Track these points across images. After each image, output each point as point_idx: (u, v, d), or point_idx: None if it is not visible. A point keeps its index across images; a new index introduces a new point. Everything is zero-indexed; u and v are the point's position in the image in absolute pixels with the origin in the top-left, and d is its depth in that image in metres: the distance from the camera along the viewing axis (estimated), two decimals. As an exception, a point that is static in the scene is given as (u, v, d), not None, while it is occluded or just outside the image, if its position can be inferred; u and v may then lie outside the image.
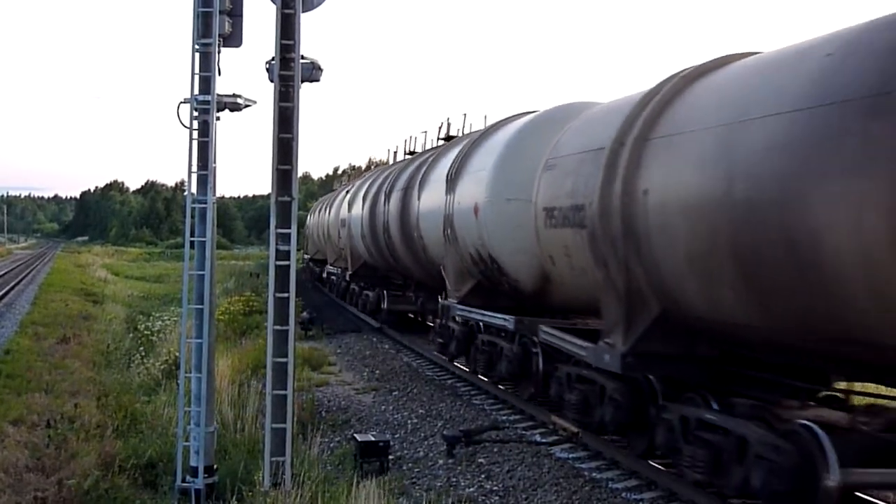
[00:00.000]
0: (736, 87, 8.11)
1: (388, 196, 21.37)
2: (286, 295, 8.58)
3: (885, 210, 5.84)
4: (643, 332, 8.90)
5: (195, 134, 8.53)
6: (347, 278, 28.47)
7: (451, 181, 15.53)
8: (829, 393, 8.34)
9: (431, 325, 20.29)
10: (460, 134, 20.96)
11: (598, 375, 10.11)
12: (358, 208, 25.30)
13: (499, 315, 13.30)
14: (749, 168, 7.10)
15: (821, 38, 7.46)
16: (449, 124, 22.46)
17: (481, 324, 14.53)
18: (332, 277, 33.44)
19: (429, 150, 22.29)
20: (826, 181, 6.33)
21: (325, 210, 35.91)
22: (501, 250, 13.24)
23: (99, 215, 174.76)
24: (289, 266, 8.60)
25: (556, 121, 12.57)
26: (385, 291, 23.78)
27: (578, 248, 10.16)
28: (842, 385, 8.37)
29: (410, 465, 10.46)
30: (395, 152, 29.93)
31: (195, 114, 8.52)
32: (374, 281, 25.33)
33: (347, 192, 30.07)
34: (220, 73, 8.56)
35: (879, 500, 8.69)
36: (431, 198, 17.27)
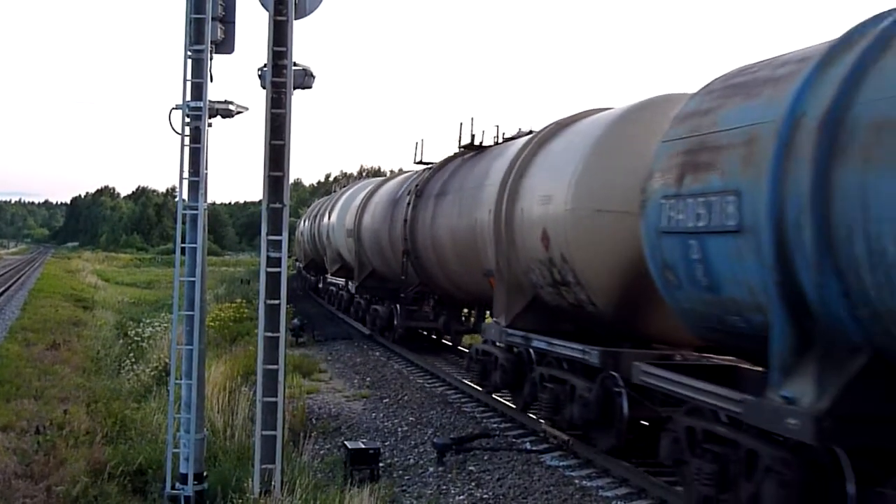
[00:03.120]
0: (391, 185, 22.40)
1: (315, 217, 36.79)
2: (277, 302, 8.57)
3: (389, 234, 20.08)
4: (362, 280, 23.59)
5: (187, 140, 8.54)
6: (303, 269, 45.50)
7: (330, 212, 30.83)
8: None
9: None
10: (368, 177, 36.46)
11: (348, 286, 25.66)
12: (308, 224, 40.51)
13: (340, 279, 28.74)
14: (376, 216, 21.86)
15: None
16: (344, 173, 36.59)
17: (342, 292, 28.84)
18: (302, 270, 49.09)
19: (337, 192, 37.18)
20: (391, 223, 19.97)
21: (301, 222, 52.75)
22: (342, 249, 27.52)
23: (90, 221, 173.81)
24: (280, 273, 8.59)
25: (364, 186, 27.65)
26: (322, 276, 36.07)
27: (352, 246, 24.39)
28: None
29: (401, 472, 10.45)
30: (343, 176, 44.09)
31: (187, 120, 8.53)
32: (316, 270, 38.83)
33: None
34: (212, 80, 8.57)
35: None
36: (325, 220, 32.20)
